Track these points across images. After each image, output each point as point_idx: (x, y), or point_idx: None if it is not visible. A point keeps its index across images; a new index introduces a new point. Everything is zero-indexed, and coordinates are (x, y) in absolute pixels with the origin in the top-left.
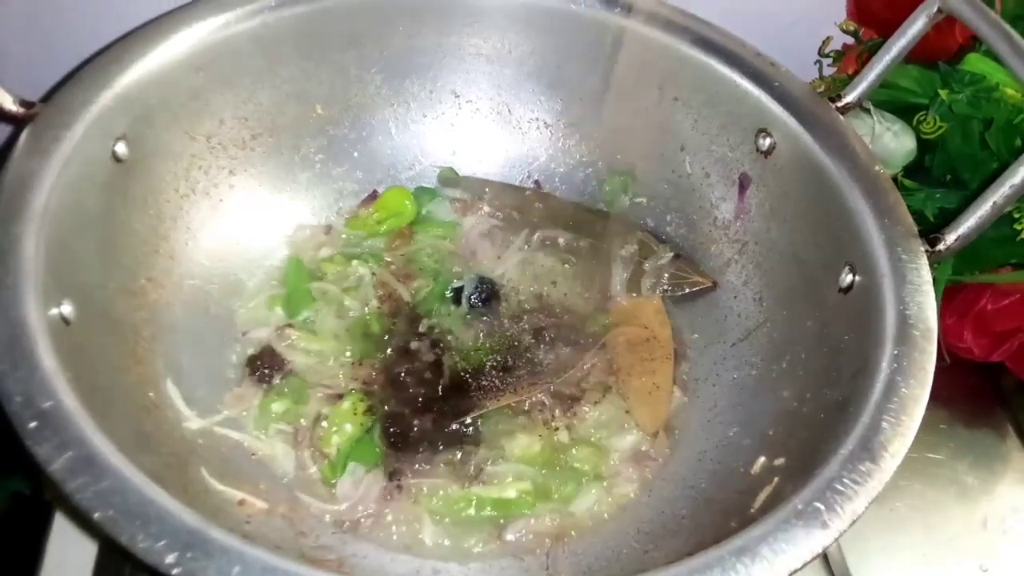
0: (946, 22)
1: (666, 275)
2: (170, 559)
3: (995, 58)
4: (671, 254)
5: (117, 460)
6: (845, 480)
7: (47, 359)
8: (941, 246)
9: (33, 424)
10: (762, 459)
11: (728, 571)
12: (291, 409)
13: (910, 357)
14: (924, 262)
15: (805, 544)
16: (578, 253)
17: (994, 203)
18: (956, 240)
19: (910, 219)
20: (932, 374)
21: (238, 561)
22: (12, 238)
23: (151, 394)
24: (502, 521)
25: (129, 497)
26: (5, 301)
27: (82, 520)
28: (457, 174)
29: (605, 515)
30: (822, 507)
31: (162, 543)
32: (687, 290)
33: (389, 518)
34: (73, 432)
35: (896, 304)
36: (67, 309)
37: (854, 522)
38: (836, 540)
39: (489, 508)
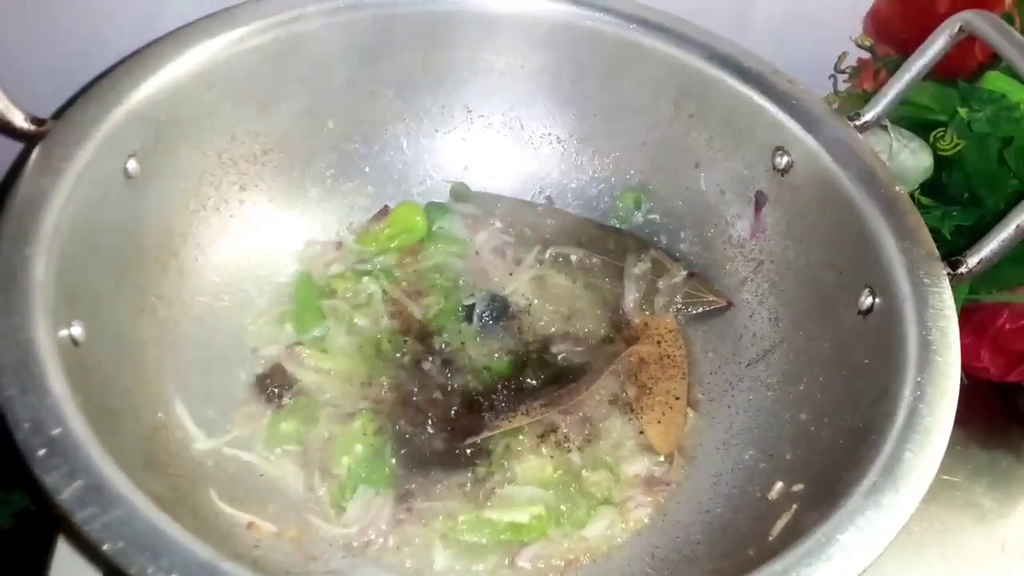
0: (966, 40)
1: (680, 294)
2: None
3: (1016, 76)
4: (685, 272)
5: (127, 489)
6: (868, 513)
7: (56, 384)
8: (963, 269)
9: (42, 452)
10: (779, 484)
11: None
12: (300, 429)
13: (933, 385)
14: (946, 285)
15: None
16: (591, 270)
17: (1017, 226)
18: (978, 263)
19: (932, 242)
20: (956, 403)
21: None
22: (22, 259)
23: (160, 414)
24: (515, 546)
25: (139, 528)
26: (14, 324)
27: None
28: (469, 190)
29: (619, 540)
30: (845, 540)
31: None
32: (701, 309)
33: (400, 542)
34: (82, 460)
35: (918, 328)
36: (76, 330)
37: (879, 556)
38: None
39: (501, 533)
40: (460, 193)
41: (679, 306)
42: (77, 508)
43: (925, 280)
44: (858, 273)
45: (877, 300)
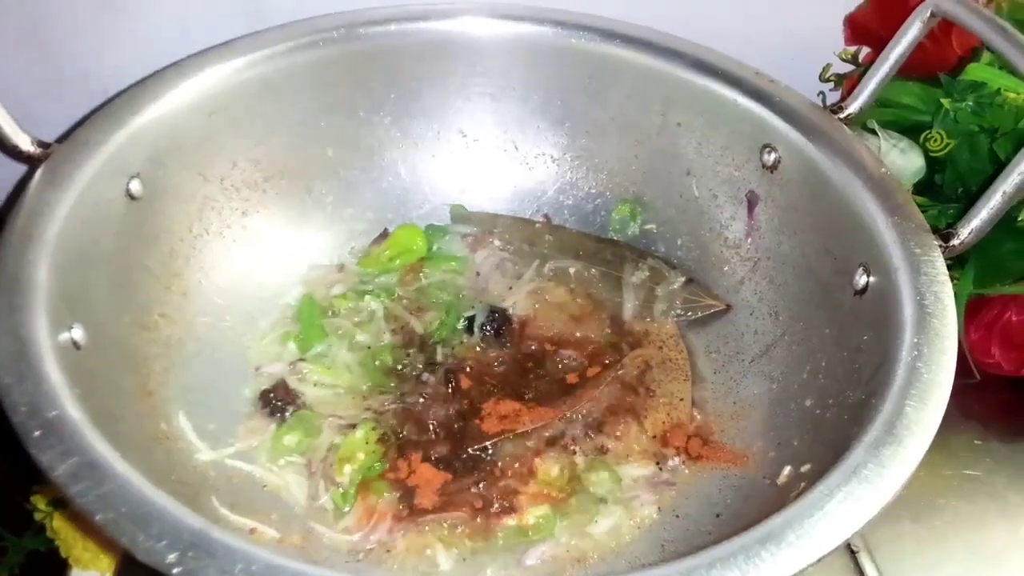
0: (942, 33)
1: (678, 300)
2: (171, 558)
3: (995, 64)
4: (683, 279)
5: (120, 466)
6: (871, 465)
7: (53, 373)
8: (955, 241)
9: (37, 433)
10: (788, 469)
11: (752, 558)
12: (303, 441)
13: (930, 344)
14: (938, 255)
15: (832, 529)
16: (589, 282)
17: (1004, 192)
18: (970, 234)
19: (921, 216)
20: (954, 359)
21: (241, 560)
22: (25, 263)
23: (163, 425)
24: (521, 547)
25: (132, 500)
26: (15, 320)
27: None
28: (467, 210)
29: (627, 537)
30: (848, 493)
31: (163, 543)
32: (700, 313)
33: (404, 547)
34: (77, 440)
35: (913, 295)
36: (78, 334)
37: (883, 508)
38: (864, 526)
39: (507, 534)
40: (459, 214)
41: (678, 312)
42: (71, 483)
43: (916, 250)
44: (852, 255)
45: (872, 278)
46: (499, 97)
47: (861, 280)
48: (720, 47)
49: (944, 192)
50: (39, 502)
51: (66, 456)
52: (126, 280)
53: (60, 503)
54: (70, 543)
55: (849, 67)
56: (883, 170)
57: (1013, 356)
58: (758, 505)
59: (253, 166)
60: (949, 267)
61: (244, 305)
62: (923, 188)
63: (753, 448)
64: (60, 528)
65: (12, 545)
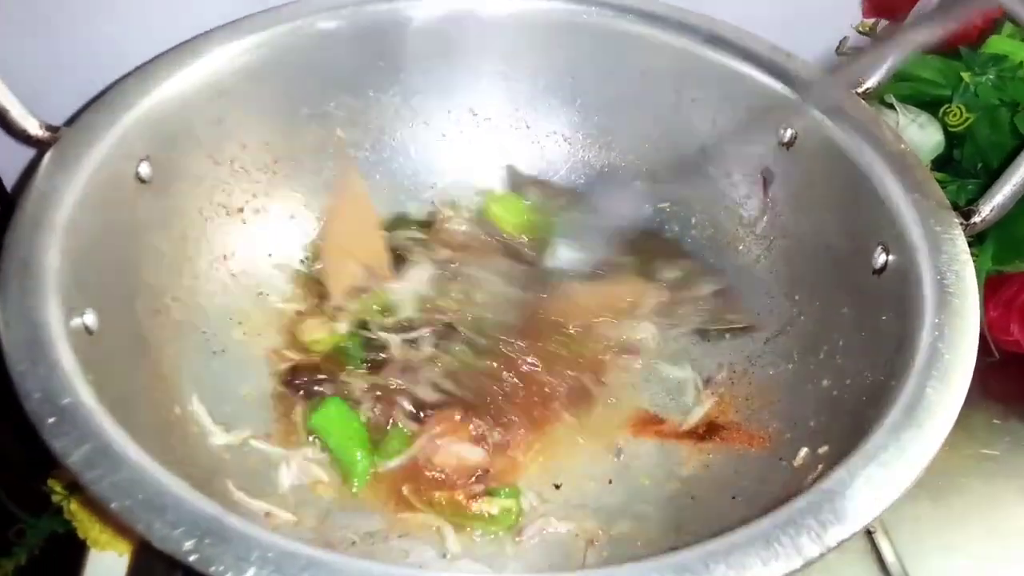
0: None
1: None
2: (188, 545)
3: (1016, 37)
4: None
5: (134, 452)
6: (891, 449)
7: (67, 359)
8: (976, 219)
9: (52, 420)
10: (804, 450)
11: (772, 543)
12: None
13: (951, 324)
14: (959, 232)
15: (851, 514)
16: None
17: None
18: (992, 211)
19: (941, 193)
20: (976, 340)
21: (256, 546)
22: (35, 248)
23: (177, 409)
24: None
25: (147, 487)
26: (27, 305)
27: None
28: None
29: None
30: (869, 477)
31: (179, 530)
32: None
33: (418, 528)
34: (91, 426)
35: (933, 274)
36: (90, 319)
37: (903, 492)
38: (884, 511)
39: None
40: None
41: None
42: (85, 469)
43: (937, 228)
44: (870, 233)
45: (891, 257)
46: (510, 75)
47: (880, 259)
48: (735, 21)
49: (963, 167)
50: (56, 486)
51: (80, 442)
52: (137, 263)
53: (76, 487)
54: (87, 525)
55: (867, 40)
56: (902, 146)
57: None
58: (774, 487)
59: (263, 148)
60: (968, 244)
61: (256, 288)
62: (941, 163)
63: (769, 429)
64: (77, 511)
65: (30, 527)
